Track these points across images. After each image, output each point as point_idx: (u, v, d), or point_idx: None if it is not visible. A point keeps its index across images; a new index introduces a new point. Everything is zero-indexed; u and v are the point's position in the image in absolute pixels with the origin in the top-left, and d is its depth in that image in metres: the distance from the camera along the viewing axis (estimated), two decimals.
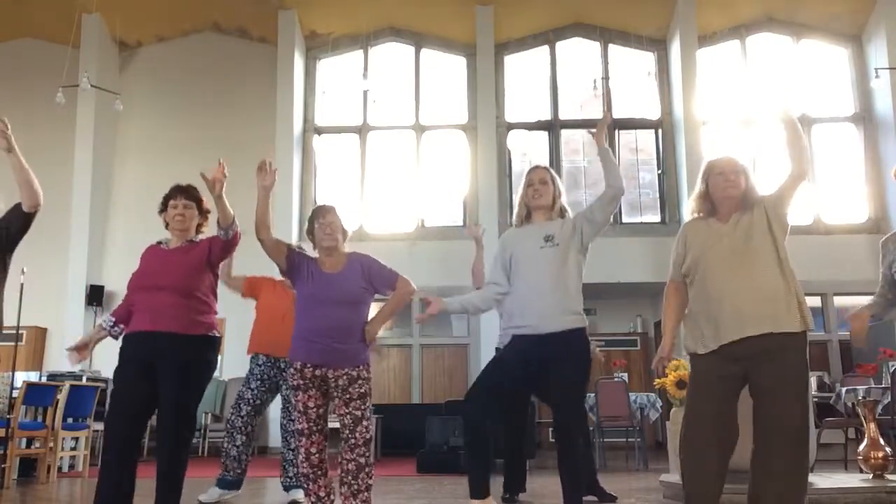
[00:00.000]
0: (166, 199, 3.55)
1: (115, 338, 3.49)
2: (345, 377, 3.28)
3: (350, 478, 3.28)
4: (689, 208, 3.22)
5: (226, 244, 3.44)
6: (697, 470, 2.91)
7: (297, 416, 3.32)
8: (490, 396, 3.42)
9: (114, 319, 3.50)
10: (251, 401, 4.71)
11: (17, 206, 3.33)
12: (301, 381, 3.29)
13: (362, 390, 3.31)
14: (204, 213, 3.60)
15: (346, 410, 3.28)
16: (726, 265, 2.94)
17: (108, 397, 3.49)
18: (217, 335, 3.46)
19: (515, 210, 3.63)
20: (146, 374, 3.28)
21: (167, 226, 3.57)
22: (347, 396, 3.28)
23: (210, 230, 3.61)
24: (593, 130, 3.49)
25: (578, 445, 3.38)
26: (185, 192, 3.54)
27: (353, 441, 3.28)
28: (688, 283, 3.10)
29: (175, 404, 3.27)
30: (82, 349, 3.48)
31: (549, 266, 3.33)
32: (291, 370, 3.31)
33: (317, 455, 3.32)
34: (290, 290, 4.77)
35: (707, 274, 2.98)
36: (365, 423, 3.30)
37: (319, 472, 3.34)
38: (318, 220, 3.43)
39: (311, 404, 3.30)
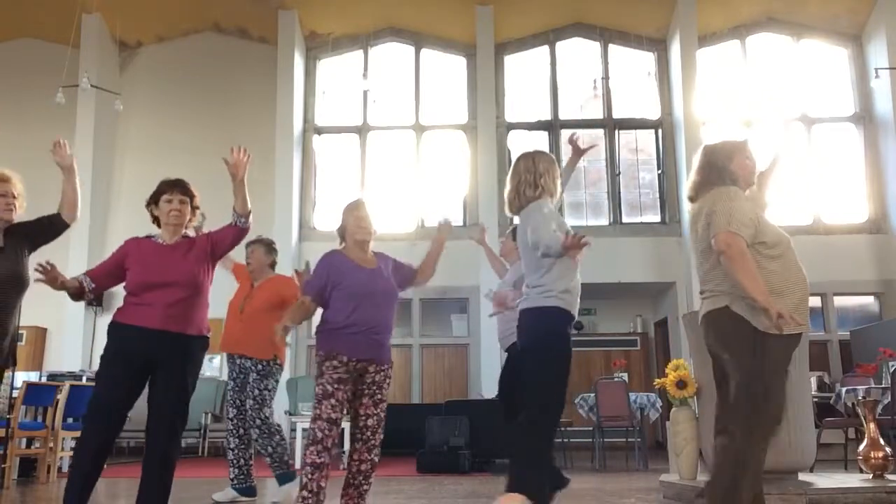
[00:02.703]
0: (158, 193, 3.47)
1: (77, 297, 3.34)
2: (381, 374, 3.35)
3: (361, 478, 3.32)
4: (694, 179, 3.16)
5: (239, 232, 3.43)
6: (756, 475, 2.80)
7: (333, 404, 3.21)
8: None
9: (94, 284, 3.35)
10: (232, 402, 4.68)
11: (58, 216, 3.57)
12: (346, 375, 3.26)
13: (388, 390, 3.43)
14: (194, 209, 3.54)
15: (375, 411, 3.33)
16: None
17: (94, 387, 3.25)
18: (208, 335, 3.45)
19: (558, 192, 3.61)
20: (140, 371, 3.24)
21: (155, 220, 3.49)
22: (379, 396, 3.36)
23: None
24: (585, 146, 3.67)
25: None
26: (179, 187, 3.47)
27: (372, 442, 3.33)
28: (768, 256, 2.91)
29: (177, 402, 3.27)
30: (55, 274, 3.23)
31: None
32: (335, 363, 3.24)
33: (334, 446, 3.29)
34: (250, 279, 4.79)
35: (792, 257, 2.96)
36: (383, 424, 3.39)
37: (329, 462, 3.29)
38: (354, 213, 3.46)
39: (346, 396, 3.27)
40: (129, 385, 3.22)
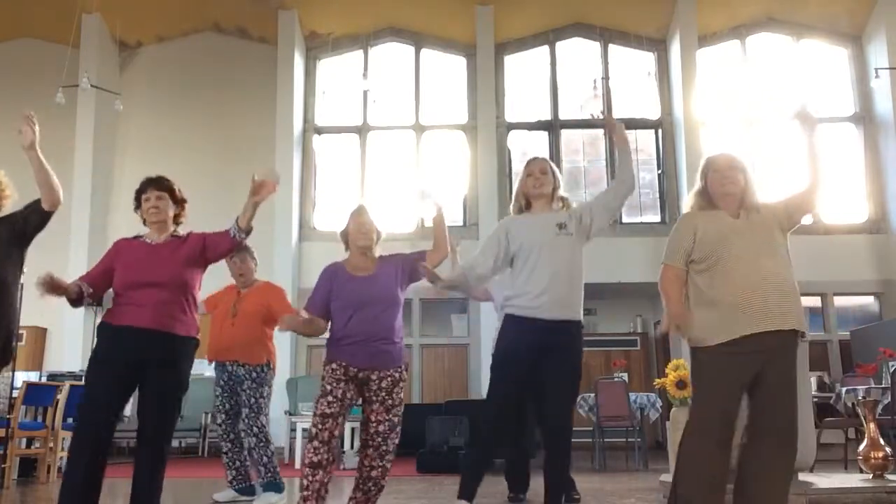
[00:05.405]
0: (138, 194, 3.46)
1: (76, 302, 3.28)
2: (388, 379, 3.31)
3: (371, 484, 3.30)
4: (687, 203, 3.20)
5: (234, 244, 3.43)
6: (701, 477, 2.83)
7: (329, 401, 3.21)
8: (507, 408, 3.51)
9: (91, 289, 3.30)
10: (220, 408, 4.70)
11: (37, 203, 3.34)
12: (344, 377, 3.27)
13: (402, 395, 3.38)
14: (179, 202, 3.50)
15: (387, 417, 3.30)
16: (754, 257, 2.90)
17: (85, 388, 3.22)
18: (198, 336, 3.42)
19: (513, 201, 3.71)
20: (129, 373, 3.20)
21: (144, 222, 3.48)
22: (390, 402, 3.32)
23: (189, 222, 3.53)
24: (609, 125, 3.66)
25: (569, 443, 3.41)
26: (155, 184, 3.44)
27: (384, 448, 3.30)
28: (696, 272, 2.98)
29: (173, 402, 3.27)
30: (55, 283, 3.13)
31: (565, 254, 3.46)
32: (334, 366, 3.26)
33: (335, 439, 3.26)
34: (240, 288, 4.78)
35: (733, 263, 2.90)
36: (398, 429, 3.34)
37: (331, 459, 3.25)
38: (355, 219, 3.49)
39: (348, 395, 3.26)
40: (121, 386, 3.19)
